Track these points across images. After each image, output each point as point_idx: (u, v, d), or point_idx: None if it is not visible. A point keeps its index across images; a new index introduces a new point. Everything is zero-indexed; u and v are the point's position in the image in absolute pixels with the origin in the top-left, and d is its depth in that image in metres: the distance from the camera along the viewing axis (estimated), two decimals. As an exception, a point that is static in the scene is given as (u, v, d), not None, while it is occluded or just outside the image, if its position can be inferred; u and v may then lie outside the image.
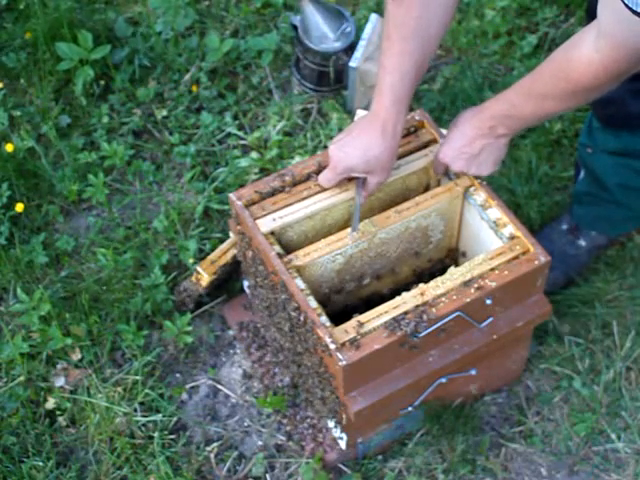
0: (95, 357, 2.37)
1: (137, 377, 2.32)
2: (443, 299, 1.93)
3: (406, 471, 2.22)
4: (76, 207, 2.65)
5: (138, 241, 2.54)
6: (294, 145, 2.71)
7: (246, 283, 2.30)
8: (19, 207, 2.54)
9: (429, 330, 1.91)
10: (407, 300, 1.93)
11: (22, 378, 2.32)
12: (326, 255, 2.01)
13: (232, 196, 2.06)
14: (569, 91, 1.79)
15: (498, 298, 1.97)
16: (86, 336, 2.37)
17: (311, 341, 1.95)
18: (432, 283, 1.95)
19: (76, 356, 2.37)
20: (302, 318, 1.94)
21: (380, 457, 2.24)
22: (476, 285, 1.94)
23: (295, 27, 2.76)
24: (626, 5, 1.54)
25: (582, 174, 2.38)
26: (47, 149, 2.71)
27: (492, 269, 1.97)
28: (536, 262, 1.98)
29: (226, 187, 2.62)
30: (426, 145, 2.14)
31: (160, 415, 2.28)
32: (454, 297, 1.93)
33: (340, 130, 2.73)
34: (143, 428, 2.27)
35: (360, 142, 1.97)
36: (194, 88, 2.82)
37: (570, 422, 2.28)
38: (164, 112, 2.79)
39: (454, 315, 1.93)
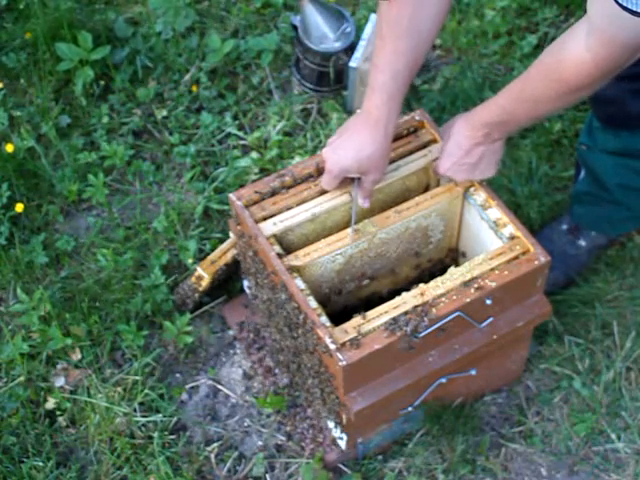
0: (95, 357, 2.37)
1: (137, 377, 2.32)
2: (443, 299, 1.93)
3: (406, 471, 2.22)
4: (76, 207, 2.65)
5: (138, 241, 2.54)
6: (294, 145, 2.71)
7: (246, 283, 2.30)
8: (19, 207, 2.54)
9: (429, 330, 1.91)
10: (407, 300, 1.93)
11: (22, 378, 2.32)
12: (326, 255, 2.01)
13: (232, 196, 2.07)
14: (562, 92, 1.79)
15: (498, 298, 1.97)
16: (86, 336, 2.37)
17: (311, 341, 1.95)
18: (432, 283, 1.95)
19: (76, 356, 2.37)
20: (302, 318, 1.94)
21: (380, 457, 2.24)
22: (476, 285, 1.94)
23: (295, 27, 2.76)
24: (615, 1, 1.53)
25: (582, 174, 2.38)
26: (47, 149, 2.71)
27: (492, 269, 1.97)
28: (536, 262, 1.98)
29: (226, 187, 2.62)
30: (426, 145, 2.14)
31: (160, 415, 2.28)
32: (454, 297, 1.93)
33: (340, 130, 2.73)
34: (143, 428, 2.27)
35: (352, 143, 1.97)
36: (194, 88, 2.82)
37: (570, 422, 2.28)
38: (164, 112, 2.79)
39: (454, 315, 1.93)
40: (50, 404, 2.31)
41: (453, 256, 2.25)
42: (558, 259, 2.37)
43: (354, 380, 1.94)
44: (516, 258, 1.99)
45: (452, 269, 1.97)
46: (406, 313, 1.90)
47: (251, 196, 2.06)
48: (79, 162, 2.67)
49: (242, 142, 2.74)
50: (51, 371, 2.35)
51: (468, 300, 1.93)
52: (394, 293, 2.02)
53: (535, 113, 1.89)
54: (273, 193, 2.07)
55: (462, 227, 2.17)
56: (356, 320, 1.91)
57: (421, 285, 1.95)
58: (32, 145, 2.68)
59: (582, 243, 2.45)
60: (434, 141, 2.14)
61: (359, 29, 2.77)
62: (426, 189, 2.18)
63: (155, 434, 2.25)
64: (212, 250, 2.40)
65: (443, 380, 2.07)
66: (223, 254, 2.33)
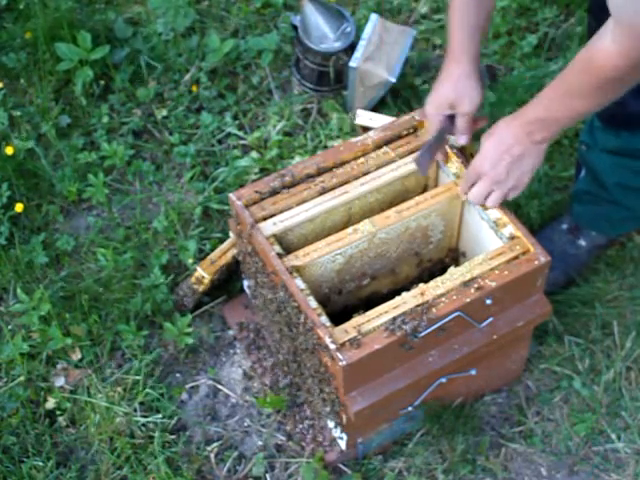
0: (95, 357, 2.37)
1: (137, 377, 2.32)
2: (443, 299, 1.93)
3: (406, 471, 2.22)
4: (76, 207, 2.65)
5: (138, 241, 2.54)
6: (294, 145, 2.71)
7: (246, 283, 2.30)
8: (19, 207, 2.54)
9: (429, 330, 1.91)
10: (407, 300, 1.93)
11: (22, 378, 2.32)
12: (326, 255, 2.01)
13: (232, 196, 2.07)
14: (594, 86, 1.80)
15: (498, 298, 1.97)
16: (86, 336, 2.37)
17: (311, 341, 1.95)
18: (432, 283, 1.95)
19: (76, 356, 2.37)
20: (302, 318, 1.94)
21: (380, 457, 2.23)
22: (476, 285, 1.94)
23: (295, 27, 2.76)
24: None
25: (583, 173, 2.38)
26: (47, 149, 2.71)
27: (492, 269, 1.96)
28: (536, 262, 1.98)
29: (226, 187, 2.62)
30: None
31: (160, 415, 2.28)
32: (454, 297, 1.93)
33: (340, 130, 2.73)
34: (143, 428, 2.27)
35: (443, 79, 2.08)
36: (194, 88, 2.82)
37: (570, 422, 2.28)
38: (164, 112, 2.80)
39: (454, 315, 1.93)
40: (50, 404, 2.31)
41: (453, 256, 2.25)
42: (558, 259, 2.37)
43: (354, 380, 1.94)
44: (516, 258, 1.99)
45: (452, 269, 1.97)
46: (406, 313, 1.90)
47: (251, 196, 2.06)
48: (79, 162, 2.67)
49: (242, 142, 2.74)
50: (51, 371, 2.35)
51: (468, 300, 1.93)
52: (394, 293, 2.02)
53: (571, 110, 1.89)
54: (273, 193, 2.07)
55: (462, 227, 2.17)
56: (356, 320, 1.91)
57: (421, 285, 1.95)
58: (32, 145, 2.68)
59: (582, 243, 2.45)
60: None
61: (359, 29, 2.77)
62: (424, 190, 2.18)
63: (155, 434, 2.25)
64: (212, 250, 2.40)
65: (443, 380, 2.07)
66: (223, 254, 2.33)
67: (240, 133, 2.75)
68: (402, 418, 2.15)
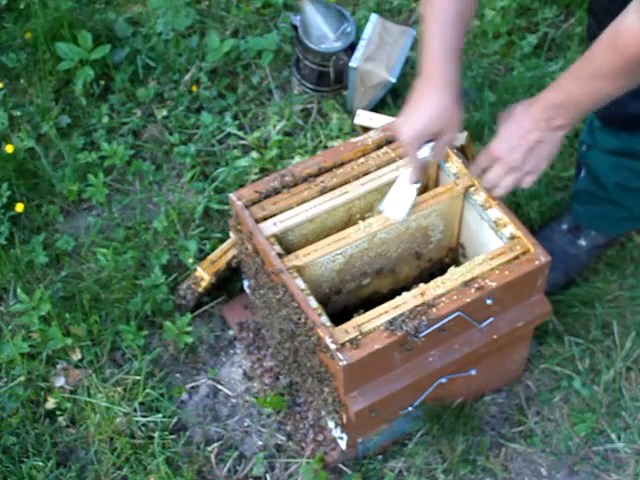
0: (95, 357, 2.37)
1: (137, 377, 2.32)
2: (443, 299, 1.93)
3: (406, 471, 2.22)
4: (76, 207, 2.65)
5: (138, 241, 2.54)
6: (294, 145, 2.71)
7: (246, 283, 2.30)
8: (19, 207, 2.54)
9: (429, 330, 1.91)
10: (407, 300, 1.93)
11: (22, 378, 2.32)
12: (326, 255, 2.01)
13: (232, 196, 2.07)
14: (618, 65, 1.76)
15: (498, 298, 1.97)
16: (86, 336, 2.37)
17: (311, 341, 1.95)
18: (432, 283, 1.95)
19: (76, 356, 2.37)
20: (302, 318, 1.94)
21: (380, 457, 2.23)
22: (476, 285, 1.94)
23: (295, 27, 2.76)
24: None
25: (583, 173, 2.38)
26: (47, 149, 2.71)
27: (492, 269, 1.97)
28: (536, 262, 1.98)
29: (226, 187, 2.62)
30: (426, 145, 2.14)
31: (160, 415, 2.28)
32: (454, 297, 1.93)
33: (340, 130, 2.73)
34: (143, 428, 2.27)
35: (420, 105, 1.94)
36: (194, 88, 2.82)
37: (570, 422, 2.28)
38: (164, 112, 2.80)
39: (454, 315, 1.93)
40: (50, 404, 2.31)
41: (453, 256, 2.25)
42: (558, 259, 2.37)
43: (354, 380, 1.94)
44: (516, 258, 1.99)
45: (452, 269, 1.97)
46: (406, 313, 1.90)
47: (251, 196, 2.06)
48: (79, 162, 2.67)
49: (242, 142, 2.74)
50: (51, 371, 2.35)
51: (468, 300, 1.93)
52: (394, 293, 2.02)
53: (595, 93, 1.84)
54: (273, 193, 2.07)
55: (462, 227, 2.17)
56: (356, 320, 1.91)
57: (421, 285, 1.95)
58: (32, 145, 2.68)
59: (582, 243, 2.45)
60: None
61: (359, 29, 2.77)
62: (424, 190, 2.18)
63: (155, 434, 2.25)
64: (212, 250, 2.40)
65: (443, 380, 2.07)
66: (223, 254, 2.33)
67: (240, 133, 2.75)
68: (402, 418, 2.15)
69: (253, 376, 2.36)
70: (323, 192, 2.07)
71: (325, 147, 2.70)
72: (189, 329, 2.36)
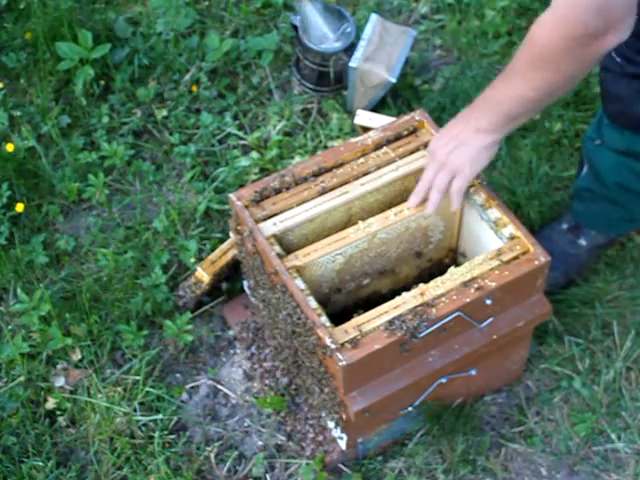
0: (95, 357, 2.37)
1: (137, 377, 2.32)
2: (443, 299, 1.93)
3: (406, 471, 2.22)
4: (76, 207, 2.65)
5: (138, 241, 2.54)
6: (294, 145, 2.71)
7: (246, 283, 2.30)
8: (19, 207, 2.54)
9: (429, 330, 1.91)
10: (407, 300, 1.93)
11: (22, 378, 2.32)
12: (326, 255, 2.01)
13: (232, 196, 2.07)
14: (529, 59, 1.78)
15: (498, 298, 1.97)
16: (86, 336, 2.37)
17: (311, 341, 1.95)
18: (432, 283, 1.95)
19: (76, 356, 2.37)
20: (302, 318, 1.94)
21: (380, 457, 2.23)
22: (476, 285, 1.94)
23: (295, 27, 2.76)
24: None
25: (585, 170, 2.37)
26: (47, 149, 2.71)
27: (492, 269, 1.97)
28: (536, 262, 1.98)
29: (226, 187, 2.62)
30: (426, 145, 2.14)
31: (160, 415, 2.28)
32: (454, 297, 1.93)
33: (340, 130, 2.73)
34: (143, 428, 2.27)
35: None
36: (194, 88, 2.82)
37: (570, 422, 2.28)
38: (164, 112, 2.80)
39: (454, 315, 1.93)
40: (50, 404, 2.31)
41: (453, 256, 2.25)
42: (558, 259, 2.37)
43: (354, 380, 1.94)
44: (516, 258, 1.99)
45: (452, 269, 1.97)
46: (406, 313, 1.90)
47: (251, 196, 2.06)
48: (79, 162, 2.67)
49: (242, 142, 2.74)
50: (51, 371, 2.35)
51: (468, 300, 1.93)
52: (394, 293, 2.02)
53: (513, 95, 1.85)
54: (273, 193, 2.07)
55: (462, 227, 2.17)
56: (356, 320, 1.91)
57: (421, 285, 1.95)
58: (32, 145, 2.68)
59: (582, 243, 2.45)
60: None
61: (359, 29, 2.77)
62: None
63: (155, 434, 2.25)
64: (212, 250, 2.40)
65: (443, 380, 2.07)
66: (223, 254, 2.33)
67: (240, 133, 2.75)
68: (402, 418, 2.15)
69: (253, 376, 2.36)
70: (323, 192, 2.08)
71: (325, 147, 2.70)
72: (189, 328, 2.36)
